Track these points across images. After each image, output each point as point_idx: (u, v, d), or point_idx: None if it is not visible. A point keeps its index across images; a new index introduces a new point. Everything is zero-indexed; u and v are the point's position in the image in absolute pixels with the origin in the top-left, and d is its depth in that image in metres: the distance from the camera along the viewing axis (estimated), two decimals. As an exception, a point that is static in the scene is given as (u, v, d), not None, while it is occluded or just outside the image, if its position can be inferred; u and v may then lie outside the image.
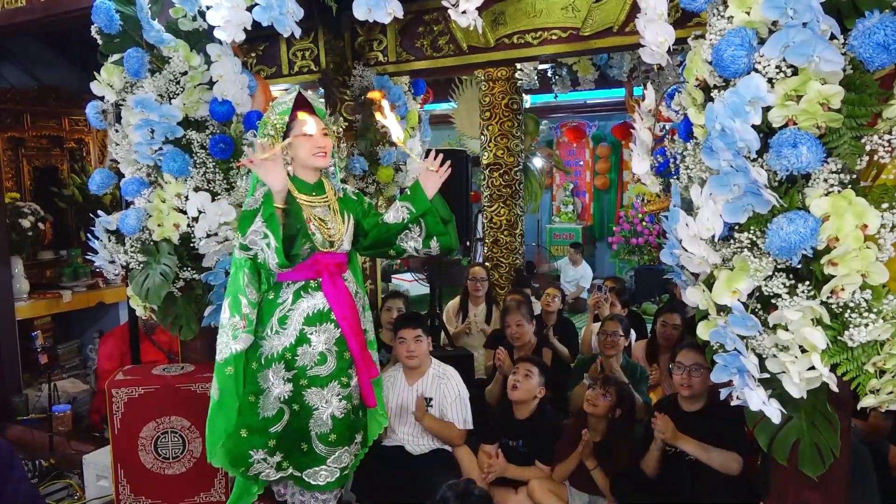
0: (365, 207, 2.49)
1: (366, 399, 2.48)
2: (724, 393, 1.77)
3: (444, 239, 2.45)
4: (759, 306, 1.63)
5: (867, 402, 1.56)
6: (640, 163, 2.34)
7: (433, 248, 2.45)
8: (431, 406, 3.18)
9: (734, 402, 1.74)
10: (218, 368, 2.33)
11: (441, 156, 2.40)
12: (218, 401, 2.35)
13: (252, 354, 2.35)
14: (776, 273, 1.56)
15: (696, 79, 1.74)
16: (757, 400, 1.65)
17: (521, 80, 6.22)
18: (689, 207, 1.75)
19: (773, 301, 1.57)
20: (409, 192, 2.42)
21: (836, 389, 1.58)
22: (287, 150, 2.27)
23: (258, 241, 2.14)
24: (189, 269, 2.72)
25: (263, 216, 2.13)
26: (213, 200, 2.68)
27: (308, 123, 2.24)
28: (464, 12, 2.23)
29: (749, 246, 1.59)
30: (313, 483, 2.39)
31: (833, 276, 1.49)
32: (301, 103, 2.29)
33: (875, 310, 1.49)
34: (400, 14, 2.34)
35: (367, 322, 2.54)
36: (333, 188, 2.42)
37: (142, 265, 2.75)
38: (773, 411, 1.64)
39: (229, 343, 2.30)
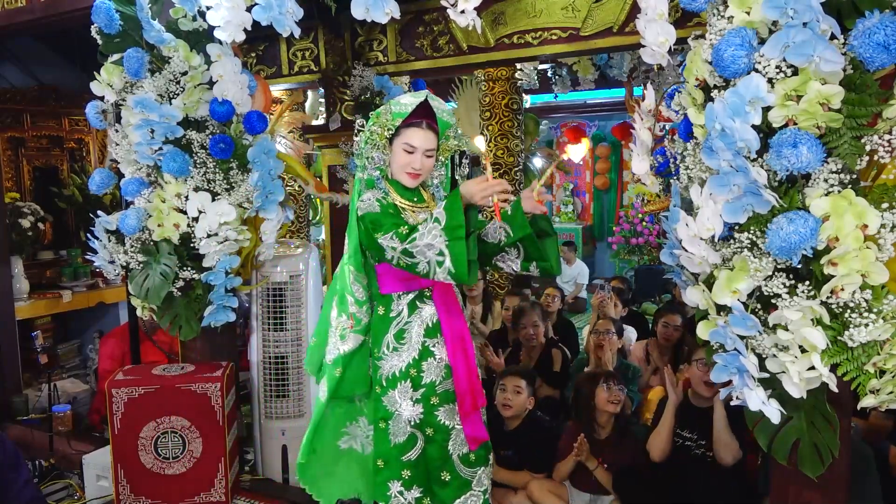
0: None
1: (472, 433, 2.16)
2: (723, 393, 1.77)
3: (543, 264, 2.18)
4: (759, 306, 1.63)
5: (867, 402, 1.56)
6: (640, 163, 2.34)
7: (533, 272, 2.21)
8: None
9: (734, 403, 1.74)
10: (328, 371, 2.18)
11: (541, 187, 2.14)
12: (324, 404, 2.20)
13: (374, 377, 2.18)
14: (776, 273, 1.56)
15: (696, 79, 1.74)
16: (756, 400, 1.65)
17: (521, 80, 6.22)
18: (689, 207, 1.75)
19: (773, 301, 1.57)
20: (508, 212, 2.11)
21: (835, 389, 1.58)
22: (388, 150, 2.10)
23: (430, 244, 1.90)
24: (189, 269, 2.72)
25: (450, 220, 1.88)
26: (213, 200, 2.68)
27: (417, 138, 2.05)
28: (462, 12, 2.24)
29: (749, 246, 1.59)
30: None
31: (833, 276, 1.49)
32: (424, 111, 2.07)
33: (875, 310, 1.49)
34: (397, 14, 2.34)
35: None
36: (433, 197, 2.24)
37: (142, 265, 2.75)
38: (773, 411, 1.64)
39: (337, 344, 2.14)
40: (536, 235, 2.12)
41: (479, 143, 2.23)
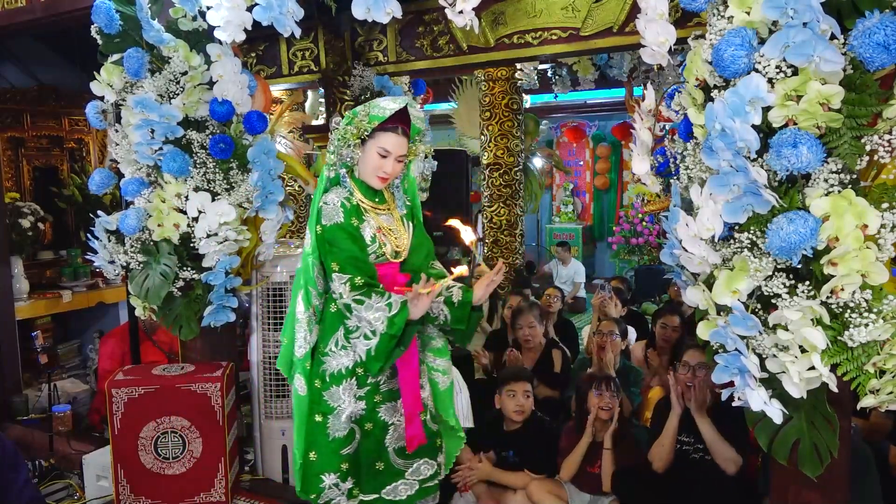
0: (414, 223, 2.34)
1: (411, 435, 2.25)
2: (725, 394, 1.77)
3: (461, 342, 2.39)
4: (759, 306, 1.63)
5: (867, 402, 1.56)
6: (640, 163, 2.34)
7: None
8: (434, 405, 3.18)
9: (736, 403, 1.74)
10: (299, 365, 2.22)
11: (502, 268, 2.24)
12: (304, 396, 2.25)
13: (314, 371, 2.22)
14: (776, 273, 1.56)
15: (696, 79, 1.74)
16: (758, 400, 1.65)
17: (521, 80, 6.22)
18: (689, 207, 1.75)
19: (773, 301, 1.57)
20: (455, 303, 2.20)
21: (835, 389, 1.58)
22: (359, 150, 2.14)
23: (367, 321, 2.05)
24: (189, 269, 2.72)
25: (391, 320, 2.02)
26: (213, 200, 2.67)
27: (391, 143, 2.10)
28: (460, 12, 2.23)
29: (749, 246, 1.59)
30: (393, 499, 2.27)
31: (833, 276, 1.49)
32: (401, 117, 2.12)
33: (875, 310, 1.49)
34: (398, 14, 2.34)
35: (430, 328, 2.36)
36: (394, 196, 2.29)
37: (142, 265, 2.75)
38: (775, 411, 1.64)
39: (307, 337, 2.19)
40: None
41: (467, 236, 2.28)
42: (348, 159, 2.15)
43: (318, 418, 2.19)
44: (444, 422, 2.40)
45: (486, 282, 2.20)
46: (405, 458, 2.27)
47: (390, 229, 2.20)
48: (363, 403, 2.20)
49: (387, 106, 2.09)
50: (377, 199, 2.21)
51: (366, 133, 2.11)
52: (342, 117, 2.18)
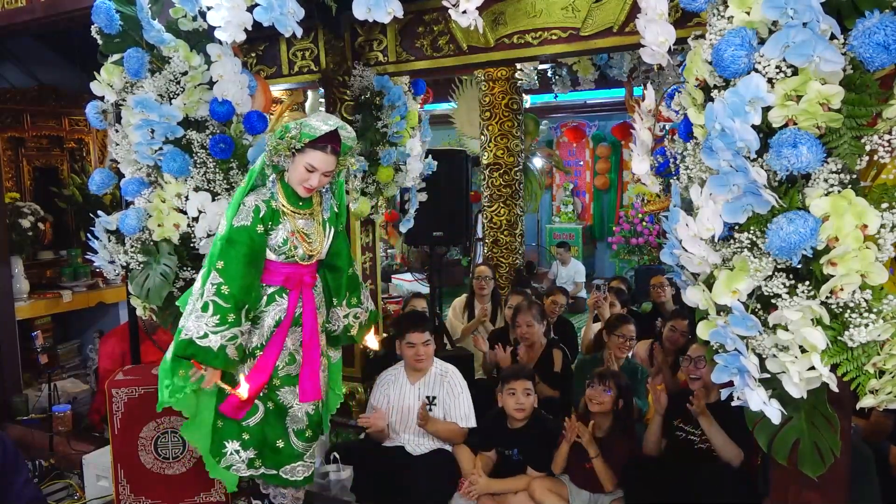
0: (338, 229, 2.53)
1: (302, 391, 2.47)
2: (724, 393, 1.77)
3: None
4: (759, 306, 1.63)
5: (867, 402, 1.56)
6: (640, 163, 2.34)
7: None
8: (435, 404, 3.19)
9: (735, 403, 1.74)
10: None
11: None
12: None
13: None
14: (776, 273, 1.56)
15: (696, 79, 1.74)
16: (757, 400, 1.65)
17: (521, 80, 6.22)
18: (689, 207, 1.75)
19: (773, 301, 1.57)
20: (351, 335, 2.66)
21: (836, 389, 1.58)
22: (290, 160, 2.29)
23: (201, 325, 2.21)
24: (189, 269, 2.72)
25: (176, 347, 2.25)
26: (213, 200, 2.67)
27: (318, 160, 2.25)
28: (464, 12, 2.23)
29: (749, 246, 1.59)
30: (291, 479, 2.46)
31: (833, 276, 1.49)
32: (332, 137, 2.25)
33: (875, 310, 1.49)
34: (400, 14, 2.34)
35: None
36: (321, 200, 2.44)
37: (142, 265, 2.75)
38: (774, 412, 1.64)
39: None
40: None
41: (371, 342, 2.80)
42: (279, 164, 2.31)
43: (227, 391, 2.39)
44: (332, 391, 2.68)
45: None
46: (304, 440, 2.47)
47: (306, 233, 2.35)
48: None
49: (318, 126, 2.22)
50: (301, 204, 2.36)
51: (296, 148, 2.25)
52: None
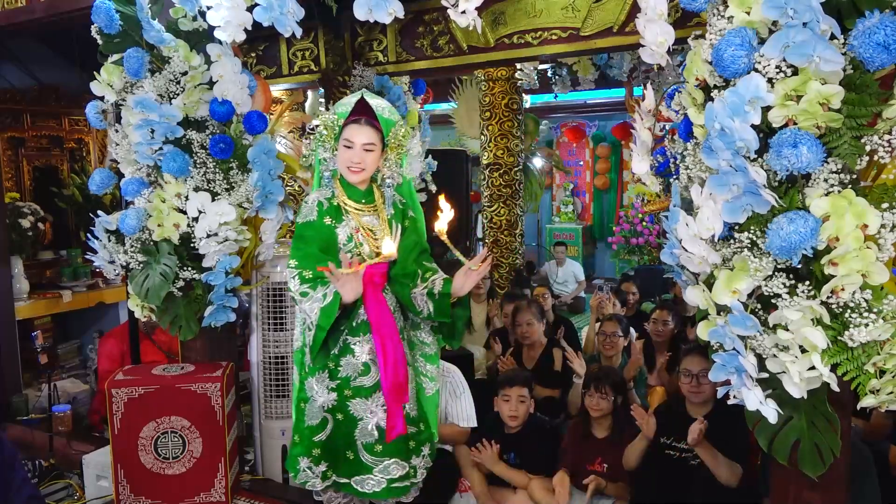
0: (405, 225, 2.35)
1: (391, 424, 2.25)
2: (721, 391, 1.77)
3: (449, 341, 2.43)
4: (759, 306, 1.63)
5: (867, 402, 1.56)
6: (640, 163, 2.34)
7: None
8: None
9: (731, 401, 1.74)
10: (296, 356, 2.40)
11: (488, 259, 2.22)
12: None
13: (297, 361, 2.37)
14: (776, 273, 1.56)
15: (696, 79, 1.74)
16: (754, 399, 1.65)
17: (521, 80, 6.22)
18: (689, 207, 1.75)
19: (773, 301, 1.57)
20: (436, 294, 2.24)
21: (836, 389, 1.58)
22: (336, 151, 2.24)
23: (307, 313, 2.14)
24: (189, 269, 2.72)
25: (323, 311, 2.11)
26: (213, 200, 2.67)
27: (353, 133, 2.18)
28: (463, 12, 2.24)
29: (749, 246, 1.59)
30: (360, 490, 2.31)
31: (833, 276, 1.49)
32: (362, 108, 2.19)
33: (875, 310, 1.49)
34: (401, 14, 2.34)
35: (424, 333, 2.45)
36: (384, 196, 2.33)
37: (142, 265, 2.75)
38: (770, 411, 1.64)
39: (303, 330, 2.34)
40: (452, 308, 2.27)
41: (388, 247, 2.15)
42: (330, 162, 2.27)
43: (302, 405, 2.33)
44: (425, 428, 2.43)
45: (465, 271, 2.21)
46: (374, 455, 2.30)
47: (371, 230, 2.26)
48: (335, 395, 2.27)
49: (347, 101, 2.23)
50: (364, 200, 2.28)
51: (335, 132, 2.22)
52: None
